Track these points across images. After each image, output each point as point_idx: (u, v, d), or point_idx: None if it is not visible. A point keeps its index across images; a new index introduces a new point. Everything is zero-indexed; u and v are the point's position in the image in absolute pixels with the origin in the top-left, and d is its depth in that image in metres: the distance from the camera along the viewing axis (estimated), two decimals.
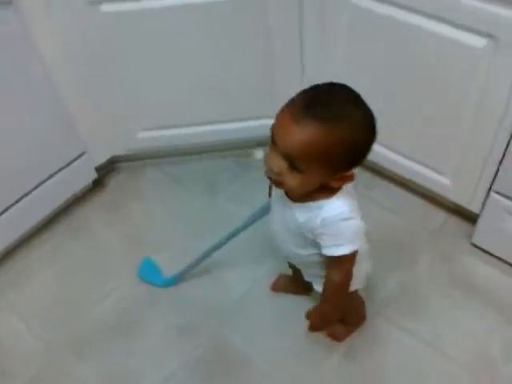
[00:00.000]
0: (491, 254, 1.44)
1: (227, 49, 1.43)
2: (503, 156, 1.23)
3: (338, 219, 0.87)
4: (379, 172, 1.66)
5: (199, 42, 1.40)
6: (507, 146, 1.20)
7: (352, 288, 1.03)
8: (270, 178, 0.86)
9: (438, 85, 1.23)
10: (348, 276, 0.96)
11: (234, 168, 1.75)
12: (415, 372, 1.26)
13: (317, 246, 0.94)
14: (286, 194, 0.92)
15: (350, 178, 0.84)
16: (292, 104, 0.79)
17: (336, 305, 1.02)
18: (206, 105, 1.56)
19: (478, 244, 1.45)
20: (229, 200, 1.66)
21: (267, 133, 0.82)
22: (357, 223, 0.89)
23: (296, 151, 0.77)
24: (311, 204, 0.88)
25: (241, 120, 1.62)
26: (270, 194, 1.07)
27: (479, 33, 1.07)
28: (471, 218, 1.49)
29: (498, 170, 1.26)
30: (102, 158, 1.65)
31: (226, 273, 1.46)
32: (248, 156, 1.77)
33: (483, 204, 1.37)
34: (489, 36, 1.06)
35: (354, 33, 1.30)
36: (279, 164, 0.80)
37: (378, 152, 1.50)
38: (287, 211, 0.94)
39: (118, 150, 1.67)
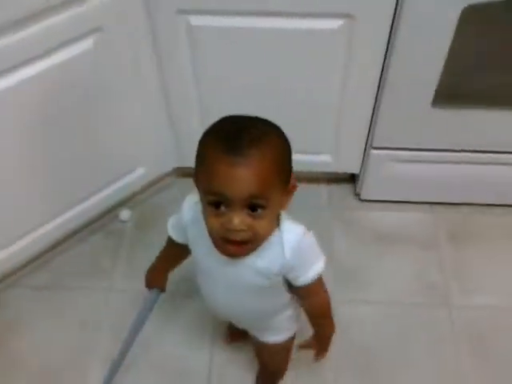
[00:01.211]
0: (383, 201, 1.58)
1: None
2: (372, 117, 1.34)
3: (302, 240, 0.81)
4: None
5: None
6: (374, 108, 1.32)
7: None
8: (229, 243, 0.74)
9: (306, 77, 1.25)
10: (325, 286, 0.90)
11: (105, 242, 1.53)
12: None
13: (276, 288, 0.86)
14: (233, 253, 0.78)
15: (295, 185, 0.80)
16: (214, 150, 0.71)
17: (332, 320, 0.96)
18: None
19: (368, 198, 1.57)
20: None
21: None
22: (309, 232, 0.83)
23: (256, 186, 0.70)
24: (270, 241, 0.78)
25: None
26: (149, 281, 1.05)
27: (334, 15, 1.11)
28: (349, 180, 1.62)
29: (370, 130, 1.38)
30: None
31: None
32: (115, 220, 1.57)
33: (362, 163, 1.48)
34: (345, 16, 1.11)
35: (202, 52, 1.22)
36: (242, 218, 0.71)
37: None
38: (233, 269, 0.82)
39: None
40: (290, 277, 0.83)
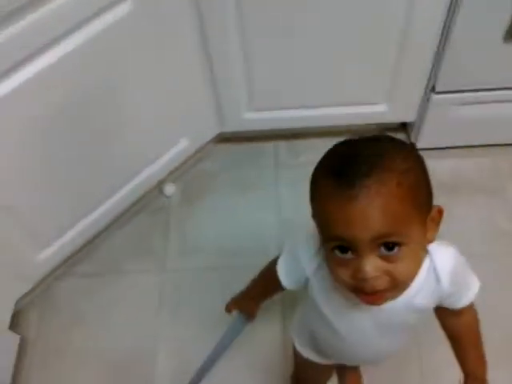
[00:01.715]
0: (439, 149, 1.48)
1: None
2: (435, 58, 1.23)
3: (457, 264, 0.69)
4: (300, 135, 1.55)
5: None
6: (438, 47, 1.20)
7: None
8: (364, 294, 0.61)
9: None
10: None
11: (153, 220, 1.45)
12: None
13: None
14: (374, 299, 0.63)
15: (441, 210, 0.65)
16: (325, 187, 0.59)
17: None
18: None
19: (424, 146, 1.48)
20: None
21: None
22: (458, 251, 0.71)
23: (384, 222, 0.56)
24: (422, 271, 0.65)
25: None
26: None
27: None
28: (400, 130, 1.52)
29: (432, 73, 1.26)
30: None
31: None
32: (159, 196, 1.48)
33: (420, 110, 1.37)
34: None
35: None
36: (375, 263, 0.58)
37: (301, 115, 1.39)
38: (382, 315, 0.69)
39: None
40: (446, 303, 0.72)
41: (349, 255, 0.59)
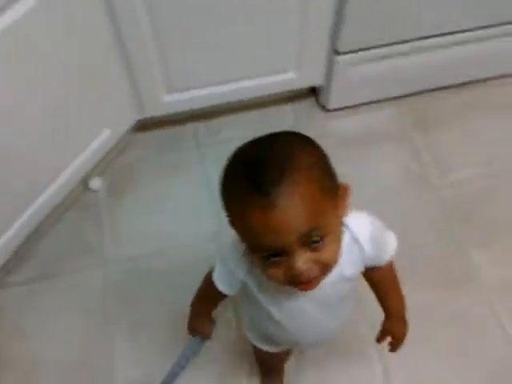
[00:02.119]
0: (348, 107, 1.59)
1: None
2: (336, 22, 1.31)
3: (373, 228, 0.73)
4: (217, 113, 1.58)
5: None
6: (338, 10, 1.28)
7: None
8: (299, 285, 0.64)
9: None
10: None
11: (84, 217, 1.42)
12: None
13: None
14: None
15: (346, 186, 0.67)
16: (240, 199, 0.59)
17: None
18: None
19: (334, 107, 1.58)
20: None
21: None
22: (372, 215, 0.75)
23: (307, 221, 0.58)
24: (344, 243, 0.68)
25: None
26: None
27: None
28: (310, 94, 1.61)
29: (333, 35, 1.35)
30: None
31: None
32: (85, 191, 1.45)
33: (327, 73, 1.46)
34: None
35: None
36: (304, 258, 0.60)
37: (217, 92, 1.43)
38: (321, 294, 0.70)
39: None
40: (371, 264, 0.76)
41: (279, 259, 0.60)
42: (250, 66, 1.38)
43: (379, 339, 0.89)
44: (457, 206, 1.43)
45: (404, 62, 1.46)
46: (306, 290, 0.65)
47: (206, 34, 1.25)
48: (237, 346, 1.23)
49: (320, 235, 0.60)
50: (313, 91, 1.61)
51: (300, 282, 0.62)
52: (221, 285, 0.80)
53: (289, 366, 1.17)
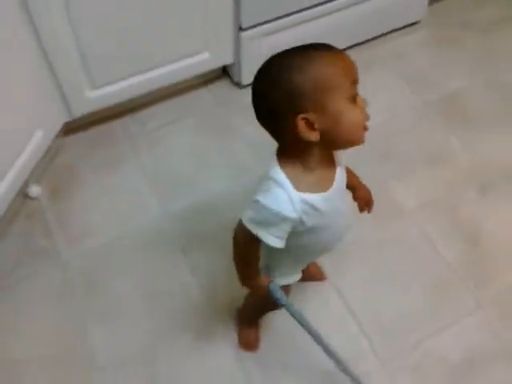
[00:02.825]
0: None
1: None
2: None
3: None
4: (141, 106, 1.67)
5: None
6: None
7: None
8: (365, 129, 0.80)
9: None
10: None
11: (30, 225, 1.45)
12: None
13: None
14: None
15: None
16: (320, 57, 0.76)
17: None
18: None
19: (249, 82, 1.70)
20: None
21: None
22: None
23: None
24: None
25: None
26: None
27: None
28: (223, 75, 1.73)
29: (236, 12, 1.47)
30: None
31: None
32: (25, 200, 1.48)
33: (236, 49, 1.58)
34: None
35: None
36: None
37: (139, 81, 1.50)
38: (340, 182, 0.87)
39: None
40: None
41: (358, 98, 0.77)
42: (164, 52, 1.48)
43: (361, 209, 1.05)
44: (371, 145, 1.60)
45: (308, 27, 1.61)
46: (364, 138, 0.80)
47: (120, 23, 1.33)
48: (205, 310, 1.32)
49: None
50: (224, 71, 1.72)
51: (366, 123, 0.78)
52: (279, 242, 0.83)
53: None
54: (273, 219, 0.81)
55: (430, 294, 1.34)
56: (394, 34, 1.90)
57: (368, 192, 1.05)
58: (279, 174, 0.81)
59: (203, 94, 1.73)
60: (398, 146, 1.62)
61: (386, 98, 1.72)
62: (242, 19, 1.48)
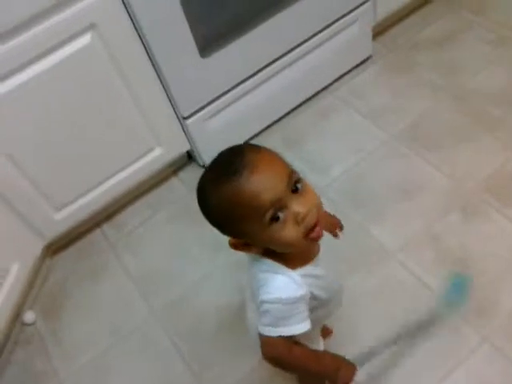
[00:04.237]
0: None
1: None
2: (167, 94, 1.49)
3: None
4: (116, 211, 1.73)
5: None
6: (164, 86, 1.47)
7: None
8: (312, 230, 0.75)
9: (96, 101, 1.37)
10: None
11: (28, 353, 1.50)
12: None
13: None
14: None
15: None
16: (228, 185, 0.72)
17: None
18: None
19: None
20: None
21: None
22: None
23: (284, 168, 0.74)
24: None
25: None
26: None
27: (79, 33, 1.24)
28: (189, 160, 1.78)
29: (173, 105, 1.52)
30: None
31: None
32: (22, 327, 1.53)
33: (188, 136, 1.63)
34: (90, 28, 1.24)
35: None
36: (299, 201, 0.74)
37: (101, 192, 1.56)
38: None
39: None
40: None
41: (282, 215, 0.72)
42: (115, 161, 1.54)
43: (334, 235, 1.04)
44: (344, 192, 1.58)
45: (249, 98, 1.64)
46: (318, 236, 0.76)
47: (58, 152, 1.40)
48: None
49: (298, 180, 0.74)
50: (189, 156, 1.77)
51: (311, 226, 0.73)
52: (302, 326, 0.81)
53: None
54: (288, 308, 0.79)
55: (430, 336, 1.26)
56: (348, 76, 1.89)
57: (332, 216, 1.05)
58: (268, 263, 0.81)
59: (174, 183, 1.77)
60: (372, 187, 1.58)
61: (353, 140, 1.70)
62: (181, 110, 1.53)
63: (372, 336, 1.18)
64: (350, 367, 0.90)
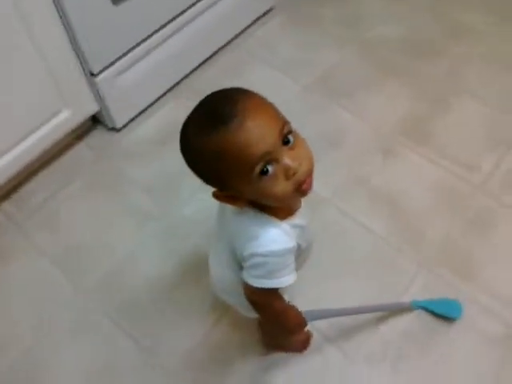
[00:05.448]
0: (139, 114, 1.63)
1: None
2: (75, 50, 1.33)
3: None
4: (16, 187, 1.52)
5: None
6: (71, 40, 1.30)
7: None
8: (303, 184, 0.70)
9: None
10: None
11: None
12: None
13: None
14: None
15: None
16: (218, 123, 0.66)
17: None
18: None
19: (122, 124, 1.60)
20: None
21: None
22: None
23: (275, 120, 0.69)
24: None
25: None
26: None
27: None
28: (94, 124, 1.62)
29: (81, 61, 1.36)
30: None
31: None
32: None
33: (97, 96, 1.47)
34: None
35: None
36: (290, 155, 0.69)
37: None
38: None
39: None
40: None
41: (272, 169, 0.67)
42: (18, 125, 1.34)
43: None
44: None
45: (159, 53, 1.52)
46: (309, 188, 0.72)
47: None
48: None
49: (289, 131, 0.69)
50: (93, 119, 1.60)
51: (302, 181, 0.69)
52: (291, 277, 0.80)
53: None
54: (280, 260, 0.78)
55: (375, 272, 1.30)
56: (253, 27, 1.85)
57: None
58: (257, 215, 0.76)
59: (81, 149, 1.60)
60: None
61: (267, 92, 1.65)
62: (89, 66, 1.37)
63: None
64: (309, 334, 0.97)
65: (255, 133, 0.66)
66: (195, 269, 1.33)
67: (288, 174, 0.69)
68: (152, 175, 1.51)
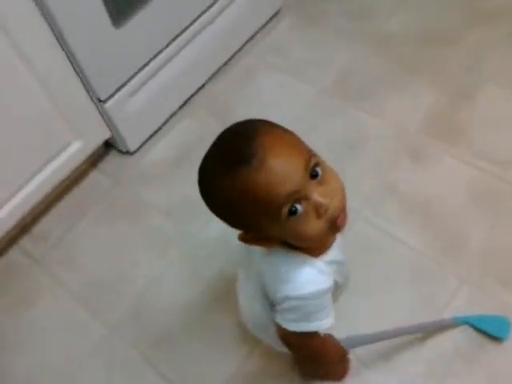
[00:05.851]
0: (152, 136, 1.56)
1: None
2: (81, 78, 1.27)
3: None
4: (33, 221, 1.47)
5: None
6: (76, 70, 1.25)
7: None
8: (336, 220, 0.65)
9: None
10: None
11: None
12: None
13: None
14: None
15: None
16: (242, 175, 0.61)
17: None
18: None
19: (136, 147, 1.54)
20: None
21: None
22: None
23: (299, 155, 0.63)
24: None
25: None
26: None
27: None
28: (108, 149, 1.57)
29: (87, 89, 1.30)
30: None
31: None
32: None
33: (108, 122, 1.41)
34: None
35: None
36: (320, 191, 0.64)
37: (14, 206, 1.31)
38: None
39: None
40: None
41: (301, 207, 0.62)
42: (29, 162, 1.30)
43: None
44: None
45: (167, 71, 1.46)
46: (343, 225, 0.66)
47: None
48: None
49: (317, 163, 0.63)
50: (107, 145, 1.55)
51: (335, 217, 0.64)
52: (329, 320, 0.76)
53: None
54: (317, 302, 0.72)
55: (414, 288, 1.22)
56: (262, 33, 1.77)
57: None
58: (289, 254, 0.71)
59: (95, 177, 1.54)
60: (313, 146, 1.50)
61: (283, 100, 1.59)
62: (97, 93, 1.31)
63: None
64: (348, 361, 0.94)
65: (279, 171, 0.60)
66: (222, 296, 1.27)
67: (319, 211, 0.63)
68: (169, 198, 1.45)
